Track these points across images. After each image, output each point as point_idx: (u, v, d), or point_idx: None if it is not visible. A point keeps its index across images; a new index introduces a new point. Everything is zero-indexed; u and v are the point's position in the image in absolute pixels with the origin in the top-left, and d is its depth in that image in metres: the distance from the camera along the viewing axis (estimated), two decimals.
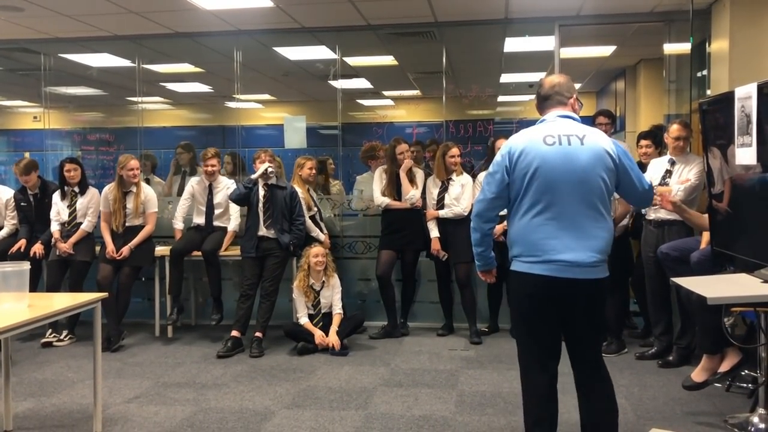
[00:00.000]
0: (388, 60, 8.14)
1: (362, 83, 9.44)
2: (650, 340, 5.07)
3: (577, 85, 10.30)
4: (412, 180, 5.61)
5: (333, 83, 7.68)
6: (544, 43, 6.40)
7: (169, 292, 5.67)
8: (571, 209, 2.65)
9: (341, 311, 5.32)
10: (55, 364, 4.92)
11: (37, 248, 5.60)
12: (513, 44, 7.10)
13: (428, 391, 4.22)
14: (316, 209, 5.78)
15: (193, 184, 5.88)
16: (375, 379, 4.51)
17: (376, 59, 8.20)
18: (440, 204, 5.57)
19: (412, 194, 5.55)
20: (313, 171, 5.85)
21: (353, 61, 8.02)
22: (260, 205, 5.39)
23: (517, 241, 2.75)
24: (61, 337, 5.51)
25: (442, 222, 5.55)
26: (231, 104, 10.12)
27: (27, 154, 9.84)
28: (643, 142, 5.28)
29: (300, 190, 5.58)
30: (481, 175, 5.64)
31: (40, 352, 5.28)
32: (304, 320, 5.26)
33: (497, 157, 2.79)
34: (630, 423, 3.62)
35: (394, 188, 5.64)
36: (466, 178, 5.63)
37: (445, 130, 6.79)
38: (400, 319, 5.79)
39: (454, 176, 5.60)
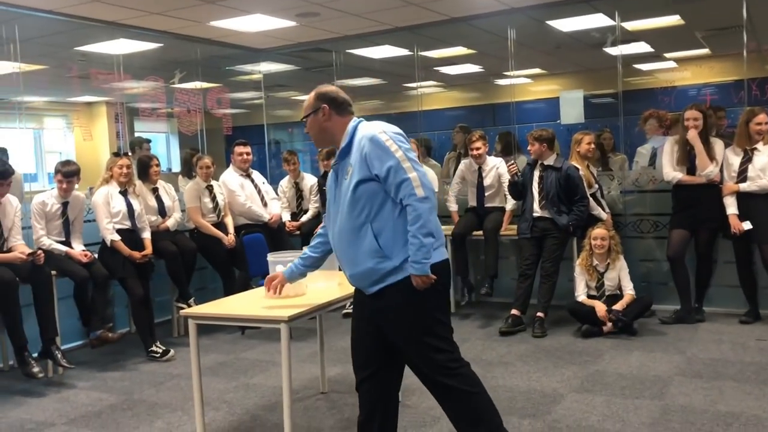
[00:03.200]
0: (673, 20, 7.46)
1: (641, 47, 8.79)
2: None
3: None
4: (709, 151, 5.07)
5: (609, 50, 7.28)
6: None
7: (456, 274, 5.91)
8: None
9: (632, 292, 5.07)
10: None
11: None
12: None
13: (734, 385, 3.83)
14: (597, 186, 5.55)
15: (462, 167, 6.03)
16: (670, 367, 4.22)
17: (658, 21, 7.57)
18: (741, 176, 4.97)
19: (709, 170, 5.02)
20: (592, 146, 5.60)
21: (632, 25, 7.50)
22: (535, 185, 5.34)
23: (437, 231, 2.57)
24: None
25: (742, 197, 4.96)
26: (500, 81, 10.14)
27: None
28: None
29: (579, 167, 5.40)
30: None
31: (342, 322, 5.87)
32: (582, 297, 5.13)
33: (404, 142, 2.57)
34: None
35: (686, 161, 5.16)
36: None
37: (746, 92, 6.02)
38: (695, 304, 5.33)
39: (759, 145, 4.95)
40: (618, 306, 4.96)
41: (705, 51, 9.11)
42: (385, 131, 2.57)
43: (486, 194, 5.89)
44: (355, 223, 2.59)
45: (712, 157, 5.06)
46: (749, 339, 4.73)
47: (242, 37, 7.21)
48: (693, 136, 5.04)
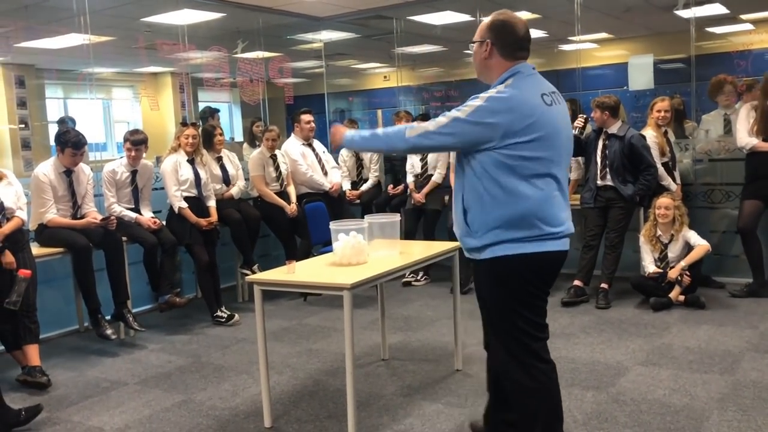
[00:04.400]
0: None
1: (715, 9, 8.36)
2: None
3: None
4: None
5: (681, 13, 6.95)
6: None
7: None
8: (564, 177, 2.44)
9: (705, 242, 4.92)
10: (416, 303, 5.46)
11: (390, 188, 6.29)
12: None
13: None
14: (670, 155, 5.34)
15: None
16: (741, 342, 4.08)
17: None
18: None
19: None
20: (662, 113, 5.35)
21: None
22: (598, 154, 5.20)
23: (528, 217, 2.34)
24: (418, 278, 6.08)
25: None
26: (565, 47, 9.85)
27: (379, 112, 10.95)
28: None
29: (654, 134, 5.22)
30: None
31: (402, 290, 5.90)
32: (651, 268, 5.00)
33: (489, 103, 2.29)
34: None
35: (764, 128, 4.92)
36: None
37: None
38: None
39: None
40: (687, 260, 4.87)
41: None
42: (492, 93, 2.30)
43: None
44: (456, 185, 2.48)
45: None
46: None
47: (303, 5, 7.20)
48: None
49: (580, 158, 5.53)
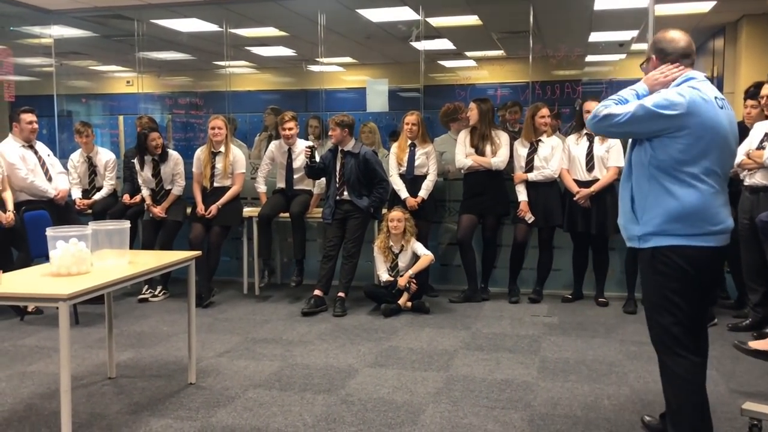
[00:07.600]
0: (472, 20, 7.98)
1: (444, 44, 9.30)
2: (744, 311, 4.87)
3: None
4: (493, 139, 5.51)
5: (415, 45, 7.60)
6: None
7: (259, 256, 5.85)
8: (725, 175, 2.66)
9: (429, 253, 5.36)
10: (151, 318, 5.19)
11: (126, 198, 5.96)
12: (604, 1, 6.80)
13: (510, 356, 4.21)
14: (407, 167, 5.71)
15: (272, 148, 5.99)
16: (456, 342, 4.53)
17: (459, 19, 8.06)
18: (529, 166, 5.46)
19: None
20: (410, 126, 5.64)
21: (436, 21, 7.91)
22: (336, 171, 5.46)
23: (695, 213, 2.54)
24: (156, 293, 5.80)
25: (530, 186, 5.46)
26: (313, 68, 10.22)
27: (121, 118, 10.29)
28: (748, 102, 4.96)
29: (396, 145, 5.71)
30: (570, 139, 5.50)
31: (137, 306, 5.58)
32: (385, 276, 5.34)
33: (676, 97, 2.48)
34: (722, 396, 3.50)
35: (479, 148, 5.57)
36: (556, 140, 5.49)
37: (531, 92, 6.63)
38: (481, 284, 5.77)
39: (543, 138, 5.47)
40: (411, 269, 5.27)
41: (500, 52, 9.86)
42: (672, 91, 2.50)
43: (295, 176, 5.90)
44: (625, 175, 2.67)
45: (498, 144, 5.49)
46: (526, 315, 5.23)
47: None
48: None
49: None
